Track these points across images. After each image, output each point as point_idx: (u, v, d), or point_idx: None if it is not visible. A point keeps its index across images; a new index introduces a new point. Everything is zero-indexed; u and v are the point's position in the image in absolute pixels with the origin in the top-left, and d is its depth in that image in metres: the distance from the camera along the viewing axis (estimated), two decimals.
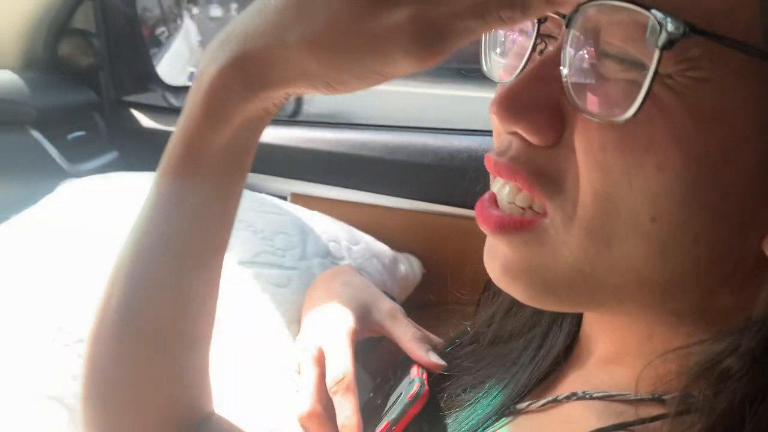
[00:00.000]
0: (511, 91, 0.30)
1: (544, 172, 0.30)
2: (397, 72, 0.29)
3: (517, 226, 0.32)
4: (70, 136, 1.05)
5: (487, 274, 0.36)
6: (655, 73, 0.25)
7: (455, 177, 0.89)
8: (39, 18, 1.01)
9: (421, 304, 0.90)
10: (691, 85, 0.26)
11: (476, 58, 0.38)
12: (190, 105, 0.36)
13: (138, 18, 1.24)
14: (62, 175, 0.96)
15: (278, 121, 1.09)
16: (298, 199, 0.98)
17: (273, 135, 1.02)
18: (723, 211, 0.27)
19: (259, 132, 0.38)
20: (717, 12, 0.25)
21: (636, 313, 0.33)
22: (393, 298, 0.61)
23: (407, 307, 0.89)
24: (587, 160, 0.28)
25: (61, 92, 1.06)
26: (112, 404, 0.40)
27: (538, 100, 0.30)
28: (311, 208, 0.87)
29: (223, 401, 0.47)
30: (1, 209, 0.73)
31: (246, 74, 0.33)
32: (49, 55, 1.06)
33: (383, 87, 0.32)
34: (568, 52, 0.28)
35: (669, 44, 0.25)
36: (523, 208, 0.32)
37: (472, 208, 0.35)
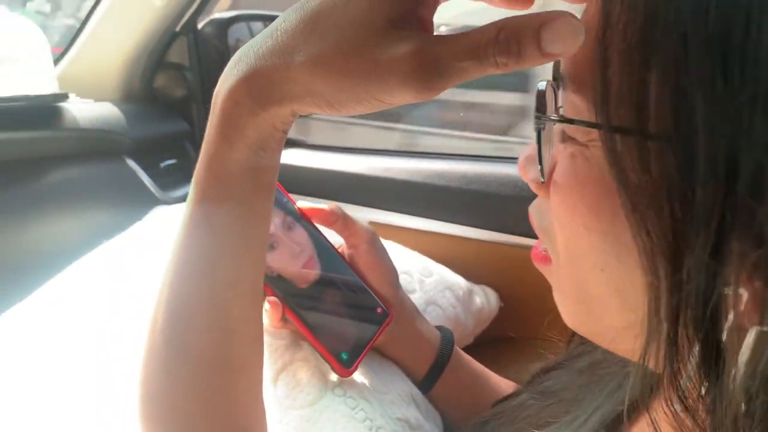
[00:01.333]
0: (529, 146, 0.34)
1: (544, 224, 0.35)
2: (395, 101, 0.31)
3: (539, 260, 0.36)
4: (162, 165, 1.10)
5: None
6: (539, 147, 0.31)
7: None
8: (137, 54, 1.08)
9: (497, 338, 0.88)
10: (581, 160, 0.29)
11: None
12: (208, 127, 0.38)
13: (230, 49, 1.29)
14: (154, 201, 1.01)
15: (356, 150, 1.11)
16: (375, 227, 0.98)
17: (351, 164, 1.03)
18: (661, 257, 0.26)
19: (275, 151, 0.38)
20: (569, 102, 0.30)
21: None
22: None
23: (483, 341, 0.87)
24: (555, 219, 0.32)
25: (156, 123, 1.12)
26: (164, 428, 0.41)
27: (534, 157, 0.33)
28: (388, 236, 0.87)
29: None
30: (97, 234, 0.77)
31: (255, 90, 0.34)
32: (146, 88, 1.13)
33: None
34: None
35: (537, 129, 0.31)
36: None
37: None
